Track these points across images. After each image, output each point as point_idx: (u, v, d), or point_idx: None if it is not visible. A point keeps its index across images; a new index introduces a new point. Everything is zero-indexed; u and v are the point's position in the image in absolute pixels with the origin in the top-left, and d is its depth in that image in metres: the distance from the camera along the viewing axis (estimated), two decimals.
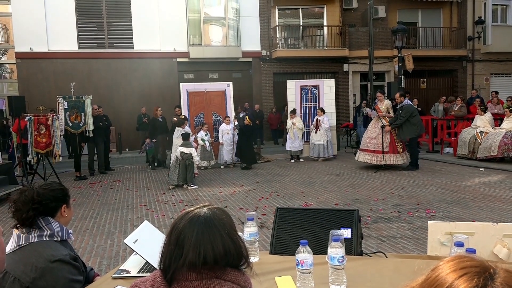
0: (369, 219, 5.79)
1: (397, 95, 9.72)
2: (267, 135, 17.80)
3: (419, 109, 12.79)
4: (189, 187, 8.55)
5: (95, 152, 11.10)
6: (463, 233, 2.08)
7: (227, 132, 11.41)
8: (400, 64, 12.73)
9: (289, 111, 12.40)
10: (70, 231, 2.08)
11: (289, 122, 11.94)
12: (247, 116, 11.31)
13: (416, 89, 20.00)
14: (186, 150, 8.58)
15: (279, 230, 2.36)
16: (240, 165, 11.21)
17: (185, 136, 8.68)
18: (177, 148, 8.66)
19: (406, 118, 9.27)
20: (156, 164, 11.65)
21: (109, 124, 11.73)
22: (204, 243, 1.24)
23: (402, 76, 12.79)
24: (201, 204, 1.37)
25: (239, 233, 1.38)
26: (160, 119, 11.51)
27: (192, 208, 1.35)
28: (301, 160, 12.01)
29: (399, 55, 12.78)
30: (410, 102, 9.74)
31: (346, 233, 2.23)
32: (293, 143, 11.88)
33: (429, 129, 12.74)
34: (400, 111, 9.40)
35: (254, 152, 11.69)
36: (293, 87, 12.45)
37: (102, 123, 11.02)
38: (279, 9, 18.47)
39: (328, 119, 11.78)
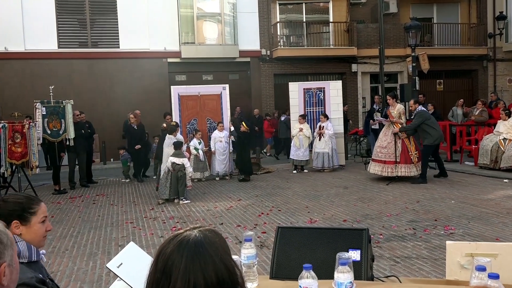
0: (381, 237, 5.77)
1: (411, 102, 9.79)
2: (267, 143, 17.80)
3: (432, 111, 12.79)
4: (181, 202, 8.53)
5: (76, 163, 11.08)
6: (485, 254, 2.06)
7: (220, 139, 11.41)
8: (414, 64, 12.78)
9: (292, 116, 12.41)
10: (43, 251, 2.04)
11: (295, 128, 11.92)
12: (243, 122, 11.32)
13: (432, 91, 20.06)
14: (178, 160, 8.57)
15: (280, 252, 2.34)
16: (238, 176, 11.19)
17: (177, 145, 8.67)
18: (168, 158, 8.65)
19: (417, 124, 9.30)
20: (130, 178, 11.60)
21: (92, 131, 11.72)
22: (194, 270, 1.22)
23: (417, 77, 12.84)
24: (191, 226, 1.36)
25: (235, 256, 1.37)
26: (135, 127, 11.48)
27: (181, 231, 1.33)
28: (305, 171, 12.00)
29: (413, 54, 12.83)
30: (423, 108, 9.79)
31: (355, 255, 2.21)
32: (297, 151, 11.87)
33: (447, 136, 12.75)
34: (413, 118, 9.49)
35: (252, 162, 11.68)
36: (296, 90, 12.48)
37: (84, 131, 11.02)
38: (280, 4, 18.57)
39: (332, 125, 11.80)
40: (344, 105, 16.24)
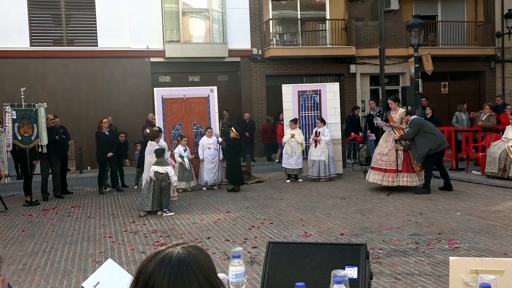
0: (381, 252, 5.80)
1: (403, 114, 9.87)
2: (259, 149, 17.84)
3: (430, 116, 12.92)
4: (164, 214, 8.51)
5: (50, 171, 11.01)
6: (490, 271, 2.09)
7: (208, 146, 11.41)
8: (416, 65, 12.89)
9: (285, 120, 12.46)
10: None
11: (287, 134, 11.99)
12: (233, 128, 11.33)
13: (436, 94, 20.26)
14: (161, 169, 8.55)
15: (272, 269, 2.36)
16: (226, 186, 11.19)
17: (159, 152, 8.66)
18: (150, 167, 8.63)
19: (414, 133, 9.38)
20: (106, 189, 11.56)
21: (67, 137, 11.67)
22: None
23: (420, 79, 12.95)
24: (174, 243, 1.37)
25: (222, 275, 1.38)
26: (106, 132, 11.45)
27: (163, 248, 1.35)
28: (299, 180, 12.03)
29: (416, 54, 12.95)
30: (415, 116, 9.91)
31: (352, 272, 2.23)
32: (289, 159, 11.92)
33: (452, 143, 12.85)
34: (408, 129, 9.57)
35: (242, 171, 11.68)
36: (289, 93, 12.54)
37: (58, 137, 10.97)
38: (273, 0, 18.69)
39: (330, 131, 11.85)
40: (355, 109, 16.37)
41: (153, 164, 8.61)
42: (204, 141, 11.48)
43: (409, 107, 12.34)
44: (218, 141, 11.39)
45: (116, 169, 11.77)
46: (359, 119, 16.23)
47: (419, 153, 9.47)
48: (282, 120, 15.75)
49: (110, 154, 11.29)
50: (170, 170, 8.66)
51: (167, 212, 8.56)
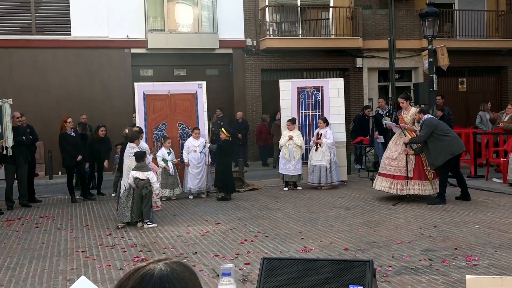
0: (390, 269, 5.81)
1: (416, 111, 9.90)
2: (253, 153, 17.85)
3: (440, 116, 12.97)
4: (145, 226, 8.49)
5: (15, 177, 10.96)
6: None
7: (194, 149, 11.40)
8: (431, 59, 12.93)
9: (282, 120, 12.47)
10: None
11: (284, 136, 11.99)
12: (223, 128, 11.31)
13: (452, 92, 20.37)
14: (141, 174, 8.54)
15: None
16: (216, 194, 11.18)
17: (139, 156, 8.64)
18: (129, 172, 8.61)
19: (427, 135, 9.39)
20: (76, 197, 11.52)
21: (35, 138, 11.62)
22: None
23: (434, 75, 12.99)
24: (156, 258, 1.37)
25: None
26: (71, 133, 11.42)
27: (144, 264, 1.35)
28: (298, 188, 12.04)
29: (430, 47, 13.00)
30: (430, 115, 9.92)
31: None
32: (287, 164, 11.93)
33: (470, 147, 12.90)
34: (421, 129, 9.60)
35: (234, 177, 11.67)
36: (288, 89, 12.56)
37: (25, 137, 10.93)
38: None
39: (333, 133, 11.88)
40: (366, 108, 16.38)
41: (133, 169, 8.59)
42: (190, 143, 11.45)
43: (422, 106, 12.36)
44: (204, 145, 11.36)
45: (85, 175, 11.71)
46: (369, 120, 16.26)
47: (433, 159, 9.50)
48: (279, 119, 15.78)
49: (79, 157, 11.24)
50: (151, 176, 8.64)
51: (149, 223, 8.54)
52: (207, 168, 11.54)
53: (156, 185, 8.74)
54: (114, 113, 16.27)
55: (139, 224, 8.59)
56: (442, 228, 7.74)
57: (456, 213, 8.80)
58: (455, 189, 10.28)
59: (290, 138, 11.84)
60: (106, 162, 12.08)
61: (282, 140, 12.02)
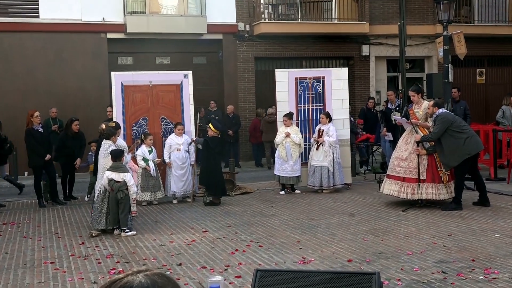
0: (399, 283, 5.82)
1: (430, 103, 9.91)
2: (246, 152, 17.83)
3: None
4: (122, 234, 8.47)
5: None
6: None
7: (177, 148, 11.38)
8: (446, 47, 12.97)
9: (278, 115, 12.45)
10: None
11: (280, 133, 11.97)
12: (211, 124, 11.28)
13: (470, 84, 20.44)
14: (116, 176, 8.51)
15: None
16: (203, 198, 11.17)
17: (116, 154, 8.62)
18: (104, 173, 8.58)
19: (440, 132, 9.40)
20: (45, 201, 11.47)
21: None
22: None
23: (450, 64, 13.02)
24: (135, 269, 1.37)
25: None
26: (39, 129, 11.37)
27: (121, 275, 1.34)
28: (296, 191, 12.05)
29: (445, 33, 13.03)
30: (444, 110, 9.93)
31: None
32: (283, 164, 11.92)
33: (489, 146, 12.93)
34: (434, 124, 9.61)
35: (224, 179, 11.67)
36: (285, 80, 12.55)
37: None
38: None
39: (336, 130, 11.88)
40: (369, 99, 16.26)
41: (107, 170, 8.56)
42: (172, 140, 11.41)
43: (437, 99, 12.33)
44: (192, 140, 11.33)
45: (55, 176, 11.66)
46: (376, 114, 16.25)
47: (447, 159, 9.51)
48: (271, 114, 15.77)
49: (48, 156, 11.19)
50: (128, 177, 8.61)
51: (126, 231, 8.51)
52: (193, 169, 11.51)
53: (133, 188, 8.70)
54: (88, 106, 16.21)
55: (115, 232, 8.56)
56: (458, 237, 7.76)
57: (474, 220, 8.83)
58: (473, 194, 10.31)
59: (287, 135, 11.83)
60: (78, 161, 11.98)
61: (278, 138, 12.00)
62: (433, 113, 9.71)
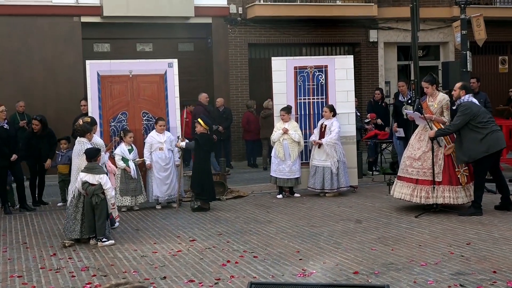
0: None
1: (457, 85, 9.89)
2: (239, 150, 17.83)
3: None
4: (99, 243, 8.46)
5: None
6: None
7: (159, 147, 11.36)
8: (464, 32, 13.02)
9: (275, 109, 12.44)
10: None
11: (277, 129, 11.96)
12: (200, 119, 11.24)
13: (491, 73, 20.47)
14: (91, 178, 8.50)
15: None
16: (191, 203, 11.17)
17: (91, 154, 8.61)
18: (78, 175, 8.57)
19: (462, 124, 9.42)
20: (11, 207, 11.46)
21: None
22: None
23: (468, 52, 13.08)
24: (113, 282, 1.37)
25: None
26: (4, 125, 11.32)
27: None
28: (296, 195, 12.06)
29: (463, 16, 13.07)
30: (472, 98, 9.89)
31: None
32: (280, 165, 11.91)
33: None
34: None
35: (214, 181, 11.67)
36: (282, 69, 12.55)
37: None
38: None
39: (340, 125, 11.88)
40: (376, 90, 16.22)
41: (82, 171, 8.55)
42: (153, 138, 11.37)
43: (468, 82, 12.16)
44: (179, 144, 11.25)
45: (22, 178, 11.63)
46: (386, 107, 16.23)
47: (463, 152, 9.51)
48: (268, 109, 15.76)
49: (14, 156, 11.15)
50: (105, 180, 8.59)
51: (104, 240, 8.50)
52: (180, 170, 11.47)
53: (110, 192, 8.69)
54: (59, 99, 16.18)
55: (91, 242, 8.54)
56: (478, 246, 7.78)
57: (495, 226, 8.85)
58: (494, 197, 10.34)
59: (285, 131, 11.82)
60: (48, 162, 11.94)
61: (275, 135, 11.98)
62: (459, 97, 9.66)
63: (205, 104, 15.79)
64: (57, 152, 12.17)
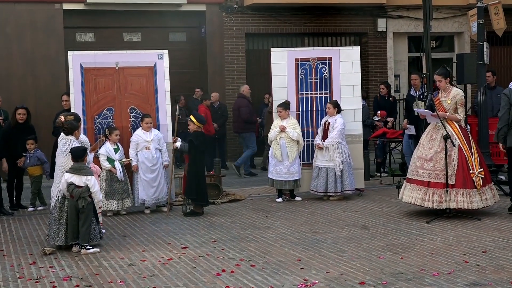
0: None
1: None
2: (234, 150, 17.83)
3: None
4: (83, 251, 8.47)
5: None
6: None
7: (146, 146, 11.36)
8: (480, 21, 13.02)
9: (274, 104, 12.44)
10: None
11: (274, 127, 11.97)
12: (192, 116, 11.21)
13: (510, 66, 20.45)
14: (78, 179, 8.52)
15: None
16: (183, 207, 11.19)
17: (78, 154, 8.62)
18: (63, 176, 8.60)
19: (503, 111, 9.57)
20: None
21: None
22: None
23: (485, 43, 13.07)
24: None
25: None
26: None
27: None
28: (297, 198, 12.09)
29: (479, 4, 13.07)
30: None
31: None
32: (278, 165, 11.89)
33: None
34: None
35: (208, 184, 11.68)
36: (283, 61, 12.55)
37: None
38: None
39: (345, 122, 11.91)
40: (384, 88, 16.18)
41: (67, 171, 8.57)
42: (139, 137, 11.36)
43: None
44: (174, 145, 11.23)
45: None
46: (393, 103, 16.22)
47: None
48: (269, 103, 15.74)
49: None
50: (92, 182, 8.61)
51: (88, 247, 8.52)
52: (170, 171, 11.46)
53: (98, 196, 8.70)
54: (38, 94, 16.20)
55: (74, 249, 8.55)
56: (494, 254, 7.78)
57: None
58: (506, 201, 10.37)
59: (282, 129, 11.82)
60: (22, 159, 11.86)
61: (272, 133, 11.93)
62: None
63: (247, 96, 15.85)
64: (24, 154, 11.93)
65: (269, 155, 12.24)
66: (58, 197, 8.70)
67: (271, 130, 12.09)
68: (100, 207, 8.96)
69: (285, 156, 11.86)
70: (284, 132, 11.81)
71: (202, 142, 11.13)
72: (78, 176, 8.55)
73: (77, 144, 8.81)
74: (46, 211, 11.04)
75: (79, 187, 8.52)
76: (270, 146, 12.21)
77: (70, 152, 8.64)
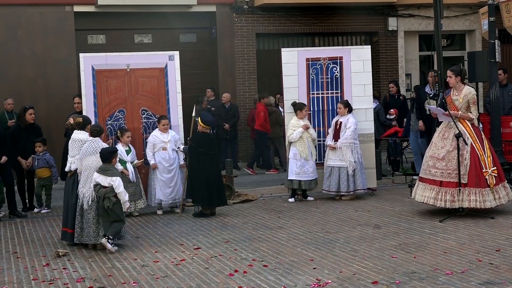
0: None
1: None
2: (246, 150, 17.81)
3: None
4: (103, 240, 8.55)
5: None
6: None
7: (163, 146, 11.38)
8: (492, 19, 12.97)
9: (285, 104, 12.42)
10: None
11: (295, 126, 11.88)
12: (199, 119, 11.11)
13: None
14: (103, 180, 8.66)
15: None
16: (194, 208, 11.20)
17: (106, 156, 8.75)
18: (94, 176, 8.72)
19: None
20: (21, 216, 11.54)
21: None
22: None
23: (497, 40, 13.02)
24: None
25: None
26: None
27: None
28: (309, 198, 12.10)
29: (491, 1, 13.02)
30: None
31: None
32: (305, 166, 11.80)
33: None
34: None
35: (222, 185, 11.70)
36: (293, 61, 12.55)
37: None
38: None
39: (357, 122, 11.88)
40: (393, 87, 16.11)
41: (96, 171, 8.71)
42: (156, 138, 11.39)
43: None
44: (186, 142, 11.26)
45: (12, 182, 11.67)
46: (403, 102, 16.16)
47: None
48: (273, 104, 15.77)
49: (3, 158, 11.20)
50: (117, 183, 8.69)
51: (109, 241, 8.57)
52: (185, 172, 11.39)
53: (123, 196, 8.77)
54: (50, 96, 16.23)
55: (103, 240, 8.61)
56: (508, 252, 7.76)
57: None
58: None
59: (306, 128, 11.81)
60: (29, 160, 11.84)
61: (295, 133, 11.79)
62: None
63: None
64: (32, 156, 11.95)
65: (290, 157, 12.02)
66: (93, 197, 8.84)
67: (291, 130, 11.93)
68: (127, 208, 9.07)
69: (310, 155, 11.89)
70: (308, 130, 11.85)
71: (203, 143, 11.04)
72: (104, 176, 8.66)
73: (105, 146, 8.98)
74: (54, 214, 11.13)
75: (104, 187, 8.61)
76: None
77: (100, 153, 8.78)
